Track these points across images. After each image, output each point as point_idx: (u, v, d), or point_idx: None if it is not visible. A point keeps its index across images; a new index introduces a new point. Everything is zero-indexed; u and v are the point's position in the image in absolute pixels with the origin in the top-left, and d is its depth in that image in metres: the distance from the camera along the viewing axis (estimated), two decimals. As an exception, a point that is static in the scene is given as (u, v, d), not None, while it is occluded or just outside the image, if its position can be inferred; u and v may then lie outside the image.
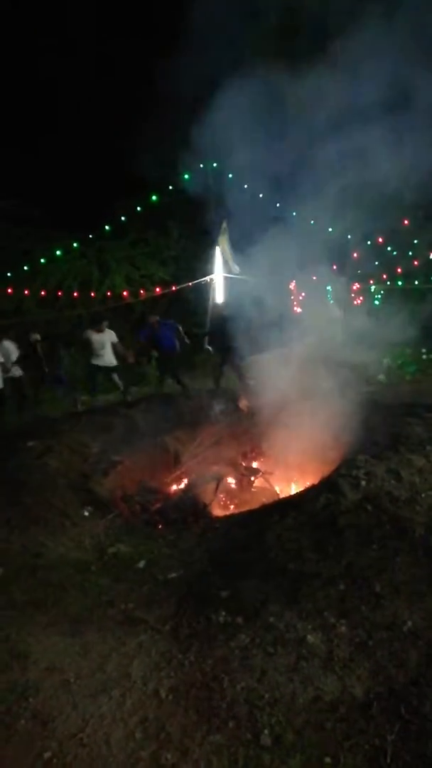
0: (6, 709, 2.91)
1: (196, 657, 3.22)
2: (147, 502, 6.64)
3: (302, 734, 2.61)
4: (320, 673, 2.98)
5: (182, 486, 6.95)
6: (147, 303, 13.24)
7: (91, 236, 12.84)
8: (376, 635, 3.18)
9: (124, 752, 2.61)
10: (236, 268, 10.65)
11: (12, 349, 9.06)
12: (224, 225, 10.64)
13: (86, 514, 5.86)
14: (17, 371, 9.07)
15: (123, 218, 12.69)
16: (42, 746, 2.67)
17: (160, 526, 6.09)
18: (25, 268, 12.60)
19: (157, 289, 12.79)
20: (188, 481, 7.00)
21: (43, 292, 12.92)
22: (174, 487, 6.97)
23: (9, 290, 12.09)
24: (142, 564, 4.66)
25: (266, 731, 2.65)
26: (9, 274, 12.24)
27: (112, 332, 8.75)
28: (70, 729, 2.78)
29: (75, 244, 12.95)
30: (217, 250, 10.83)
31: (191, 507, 6.15)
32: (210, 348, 9.89)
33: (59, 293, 13.12)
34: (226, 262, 10.84)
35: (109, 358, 8.70)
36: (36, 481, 6.03)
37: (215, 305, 10.77)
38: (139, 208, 12.29)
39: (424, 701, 2.73)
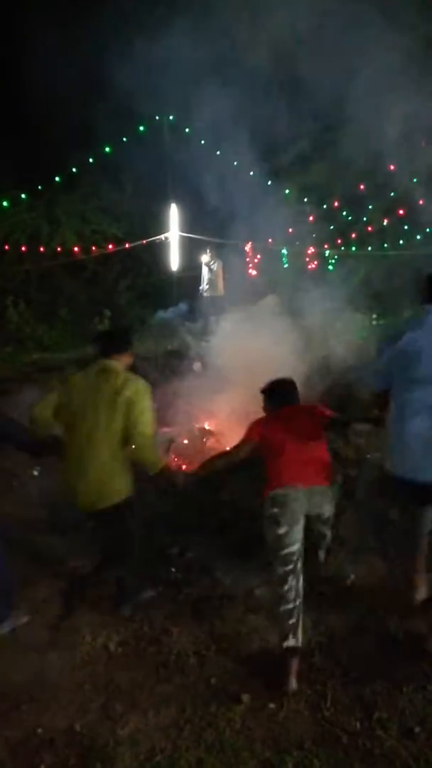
0: None
1: (145, 611, 3.27)
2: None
3: (247, 682, 2.70)
4: (266, 624, 3.08)
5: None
6: (99, 260, 12.85)
7: (40, 187, 12.19)
8: (318, 587, 3.30)
9: (73, 705, 2.65)
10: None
11: None
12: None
13: (35, 474, 5.79)
14: None
15: (74, 170, 12.14)
16: (-10, 701, 2.67)
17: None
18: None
19: (110, 246, 12.41)
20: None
21: (-11, 245, 12.31)
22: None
23: None
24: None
25: (213, 680, 2.73)
26: None
27: None
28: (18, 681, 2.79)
29: (23, 196, 12.31)
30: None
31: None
32: None
33: (6, 247, 12.52)
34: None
35: None
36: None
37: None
38: (91, 160, 11.75)
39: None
